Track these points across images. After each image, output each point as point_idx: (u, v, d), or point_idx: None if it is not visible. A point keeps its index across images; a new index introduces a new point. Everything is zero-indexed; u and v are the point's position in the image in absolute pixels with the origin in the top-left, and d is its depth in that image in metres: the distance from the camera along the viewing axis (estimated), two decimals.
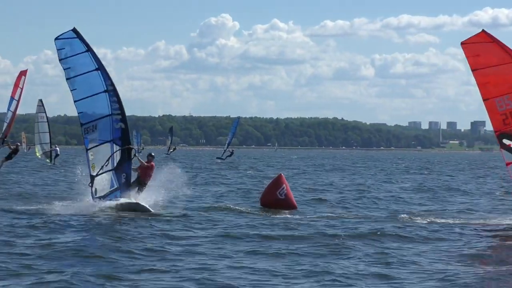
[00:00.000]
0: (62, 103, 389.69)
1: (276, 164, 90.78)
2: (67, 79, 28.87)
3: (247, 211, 29.19)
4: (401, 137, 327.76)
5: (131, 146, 29.50)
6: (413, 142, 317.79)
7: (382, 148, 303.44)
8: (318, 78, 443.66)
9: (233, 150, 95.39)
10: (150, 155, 29.80)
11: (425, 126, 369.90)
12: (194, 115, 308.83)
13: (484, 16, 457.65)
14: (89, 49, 28.49)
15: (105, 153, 28.82)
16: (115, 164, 29.00)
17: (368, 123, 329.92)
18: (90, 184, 29.00)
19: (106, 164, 28.94)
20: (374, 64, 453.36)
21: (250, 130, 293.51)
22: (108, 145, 28.97)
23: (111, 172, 28.90)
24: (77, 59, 28.69)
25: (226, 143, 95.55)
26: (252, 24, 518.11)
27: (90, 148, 29.02)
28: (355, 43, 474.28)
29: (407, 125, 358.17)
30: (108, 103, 28.70)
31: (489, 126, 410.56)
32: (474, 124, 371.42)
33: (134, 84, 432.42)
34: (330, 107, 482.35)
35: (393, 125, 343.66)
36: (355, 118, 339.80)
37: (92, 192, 28.94)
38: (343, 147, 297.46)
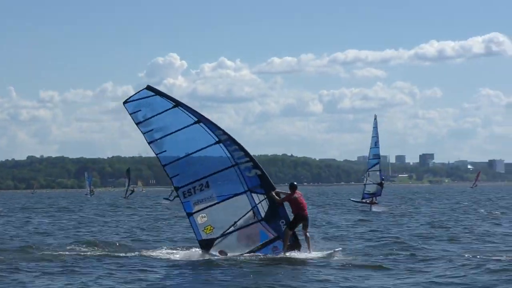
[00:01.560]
0: (10, 147, 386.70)
1: None
2: (149, 143, 26.54)
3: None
4: (351, 171, 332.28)
5: (276, 190, 26.75)
6: (362, 177, 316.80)
7: (334, 183, 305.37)
8: (267, 115, 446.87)
9: None
10: (292, 184, 26.84)
11: None
12: (143, 156, 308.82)
13: (430, 49, 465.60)
14: (178, 103, 26.21)
15: (233, 208, 26.49)
16: (262, 215, 26.57)
17: (317, 159, 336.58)
18: (205, 250, 26.65)
19: (244, 217, 26.65)
20: (322, 99, 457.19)
21: None
22: (242, 198, 26.59)
23: (258, 223, 26.52)
24: (163, 117, 26.36)
25: None
26: (199, 62, 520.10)
27: (198, 211, 26.64)
28: (303, 79, 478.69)
29: (356, 159, 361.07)
30: (227, 153, 26.37)
31: (437, 159, 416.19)
32: (423, 157, 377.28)
33: (82, 126, 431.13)
34: (279, 144, 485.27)
35: (342, 160, 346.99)
36: (304, 154, 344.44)
37: (221, 251, 26.71)
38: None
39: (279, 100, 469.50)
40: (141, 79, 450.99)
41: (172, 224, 45.39)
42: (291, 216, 26.31)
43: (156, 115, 26.28)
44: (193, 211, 26.60)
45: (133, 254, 27.65)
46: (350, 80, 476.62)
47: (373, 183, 61.55)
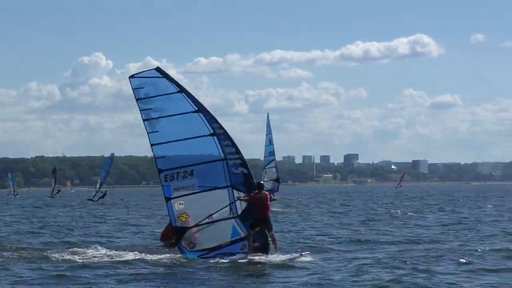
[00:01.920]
0: None
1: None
2: (144, 120, 26.78)
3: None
4: None
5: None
6: (287, 176, 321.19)
7: None
8: None
9: (105, 191, 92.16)
10: (258, 184, 26.74)
11: (299, 160, 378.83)
12: (67, 156, 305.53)
13: (356, 50, 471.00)
14: (182, 89, 26.59)
15: (212, 200, 26.53)
16: (238, 212, 26.60)
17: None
18: (177, 238, 26.70)
19: (221, 210, 26.70)
20: (247, 100, 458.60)
21: (125, 169, 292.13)
22: (222, 192, 26.62)
23: (232, 220, 26.64)
24: (164, 99, 26.75)
25: (99, 182, 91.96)
26: (125, 62, 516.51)
27: (176, 197, 26.64)
28: (229, 79, 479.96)
29: (281, 159, 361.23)
30: (218, 147, 26.52)
31: (362, 159, 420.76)
32: (347, 157, 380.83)
33: (5, 126, 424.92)
34: None
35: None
36: None
37: (184, 248, 26.73)
38: None
39: (205, 100, 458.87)
40: (66, 78, 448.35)
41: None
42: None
43: (158, 96, 26.58)
44: (172, 196, 26.59)
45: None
46: (276, 81, 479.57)
47: (270, 180, 62.87)
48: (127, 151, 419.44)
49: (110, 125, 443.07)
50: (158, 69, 26.57)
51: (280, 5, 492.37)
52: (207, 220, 26.64)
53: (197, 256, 26.75)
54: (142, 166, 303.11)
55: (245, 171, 26.64)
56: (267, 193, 26.78)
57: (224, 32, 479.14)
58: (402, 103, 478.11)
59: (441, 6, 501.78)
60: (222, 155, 26.65)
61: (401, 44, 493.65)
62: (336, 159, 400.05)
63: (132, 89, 26.67)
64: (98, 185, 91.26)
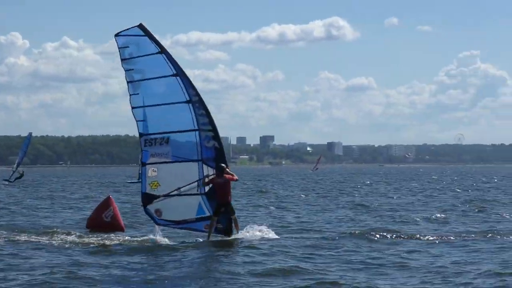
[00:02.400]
0: None
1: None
2: (128, 82, 25.76)
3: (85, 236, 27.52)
4: None
5: (227, 167, 25.81)
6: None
7: None
8: (110, 96, 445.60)
9: (23, 172, 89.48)
10: (218, 166, 25.57)
11: None
12: None
13: (272, 32, 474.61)
14: (163, 51, 25.36)
15: (182, 172, 25.78)
16: (206, 189, 25.75)
17: None
18: (144, 203, 25.97)
19: (189, 185, 25.90)
20: None
21: (41, 149, 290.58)
22: (193, 165, 25.81)
23: (199, 196, 25.92)
24: (146, 60, 25.59)
25: (16, 162, 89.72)
26: (42, 42, 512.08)
27: (151, 163, 25.79)
28: None
29: None
30: (193, 115, 25.47)
31: (278, 141, 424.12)
32: (263, 139, 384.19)
33: None
34: (122, 125, 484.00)
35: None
36: None
37: (152, 214, 25.98)
38: (134, 164, 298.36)
39: (123, 81, 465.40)
40: None
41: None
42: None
43: (140, 56, 25.61)
44: (148, 162, 25.82)
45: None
46: (193, 62, 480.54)
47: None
48: (44, 131, 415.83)
49: (27, 105, 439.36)
50: (140, 26, 25.57)
51: None
52: (175, 192, 25.91)
53: (167, 226, 26.43)
54: (59, 146, 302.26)
55: (217, 145, 25.76)
56: (229, 176, 25.50)
57: (140, 13, 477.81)
58: (317, 86, 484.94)
59: None
60: (196, 125, 25.65)
61: (317, 27, 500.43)
62: (253, 140, 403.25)
63: (118, 48, 25.65)
64: (15, 165, 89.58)
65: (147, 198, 25.95)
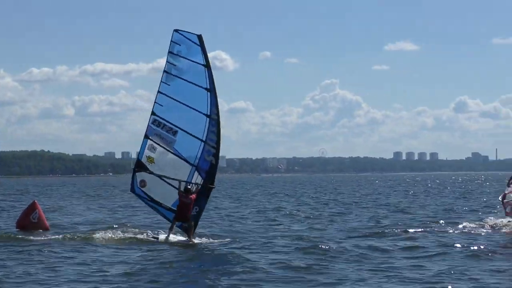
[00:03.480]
0: None
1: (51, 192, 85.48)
2: (165, 71, 25.90)
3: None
4: (99, 165, 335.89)
5: (213, 186, 26.02)
6: (108, 169, 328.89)
7: (85, 175, 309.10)
8: (27, 118, 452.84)
9: None
10: (185, 188, 25.46)
11: (118, 155, 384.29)
12: None
13: (163, 63, 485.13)
14: (207, 66, 25.45)
15: (176, 167, 25.87)
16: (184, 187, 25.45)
17: (71, 154, 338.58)
18: (135, 168, 26.19)
19: (177, 180, 25.70)
20: (74, 104, 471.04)
21: None
22: (187, 166, 25.85)
23: (179, 193, 25.52)
24: (189, 64, 25.73)
25: None
26: None
27: (153, 141, 25.88)
28: (58, 87, 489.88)
29: (104, 155, 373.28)
30: (205, 128, 25.46)
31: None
32: None
33: None
34: (38, 142, 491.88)
35: (92, 155, 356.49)
36: (59, 150, 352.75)
37: (137, 180, 26.23)
38: (50, 175, 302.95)
39: (38, 105, 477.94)
40: None
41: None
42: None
43: (186, 58, 25.68)
44: (150, 137, 25.94)
45: None
46: (98, 88, 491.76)
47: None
48: None
49: None
50: (199, 37, 25.43)
51: (100, 24, 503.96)
52: (164, 178, 25.91)
53: (139, 196, 26.46)
54: None
55: (214, 161, 25.62)
56: (193, 197, 25.33)
57: (53, 45, 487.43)
58: None
59: (234, 26, 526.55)
60: (204, 137, 25.53)
61: None
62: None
63: (171, 40, 25.70)
64: None
65: (139, 165, 26.05)
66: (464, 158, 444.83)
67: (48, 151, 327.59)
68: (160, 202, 26.32)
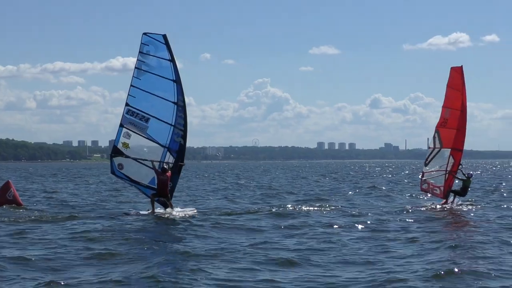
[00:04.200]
0: None
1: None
2: (136, 68, 26.29)
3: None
4: (58, 152, 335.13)
5: (183, 164, 26.53)
6: (67, 156, 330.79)
7: (45, 160, 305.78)
8: None
9: None
10: (162, 168, 26.12)
11: (75, 143, 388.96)
12: None
13: (117, 63, 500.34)
14: (172, 60, 25.95)
15: (150, 150, 26.29)
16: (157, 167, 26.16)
17: (33, 142, 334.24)
18: (112, 154, 26.42)
19: (150, 160, 26.12)
20: (36, 98, 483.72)
21: None
22: (159, 148, 26.32)
23: (154, 171, 26.20)
24: (157, 61, 26.18)
25: None
26: None
27: (128, 128, 26.16)
28: (21, 83, 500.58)
29: (62, 143, 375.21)
30: (174, 114, 25.95)
31: None
32: (111, 142, 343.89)
33: None
34: (3, 131, 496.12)
35: (51, 143, 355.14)
36: (23, 139, 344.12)
37: (115, 164, 26.36)
38: (12, 161, 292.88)
39: (3, 98, 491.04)
40: None
41: None
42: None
43: (154, 56, 26.16)
44: (125, 125, 26.21)
45: None
46: (57, 84, 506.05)
47: None
48: None
49: None
50: (164, 37, 26.02)
51: (60, 27, 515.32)
52: (140, 160, 26.26)
53: (121, 178, 26.73)
54: None
55: (182, 142, 26.16)
56: (168, 175, 25.92)
57: (18, 46, 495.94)
58: None
59: (178, 31, 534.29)
60: (173, 122, 26.01)
61: None
62: (103, 143, 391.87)
63: (140, 42, 26.04)
64: None
65: (116, 151, 26.44)
66: (378, 148, 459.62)
67: (13, 139, 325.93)
68: (138, 181, 26.75)
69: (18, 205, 29.11)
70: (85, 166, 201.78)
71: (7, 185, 29.50)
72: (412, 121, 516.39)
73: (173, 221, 24.87)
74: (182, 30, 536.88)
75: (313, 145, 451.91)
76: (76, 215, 26.71)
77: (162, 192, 26.23)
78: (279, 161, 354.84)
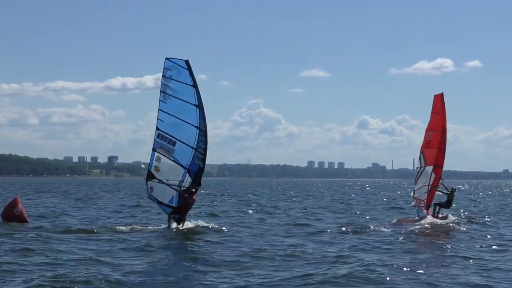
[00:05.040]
0: None
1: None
2: (161, 91, 26.82)
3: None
4: (58, 167, 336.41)
5: (201, 185, 27.00)
6: (67, 171, 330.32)
7: (45, 175, 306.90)
8: None
9: None
10: (191, 191, 26.70)
11: (75, 159, 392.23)
12: None
13: (116, 83, 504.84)
14: (195, 86, 26.27)
15: (174, 171, 26.80)
16: (181, 189, 26.78)
17: (35, 158, 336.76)
18: (147, 178, 27.15)
19: (173, 183, 26.82)
20: (38, 115, 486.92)
21: None
22: (181, 169, 26.80)
23: (175, 192, 26.91)
24: (180, 86, 26.50)
25: None
26: None
27: (159, 152, 26.83)
28: (24, 100, 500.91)
29: (63, 159, 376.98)
30: (196, 138, 26.44)
31: (121, 159, 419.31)
32: (110, 158, 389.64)
33: None
34: (6, 147, 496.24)
35: (53, 159, 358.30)
36: (25, 154, 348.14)
37: (148, 188, 27.10)
38: (16, 175, 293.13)
39: (7, 115, 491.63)
40: None
41: None
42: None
43: (177, 81, 26.59)
44: (157, 150, 26.95)
45: None
46: (59, 102, 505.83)
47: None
48: None
49: None
50: (187, 62, 26.32)
51: (61, 48, 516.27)
52: (165, 181, 27.01)
53: (152, 200, 27.56)
54: None
55: (201, 165, 26.66)
56: (194, 197, 26.90)
57: (20, 64, 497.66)
58: (149, 121, 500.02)
59: (175, 53, 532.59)
60: (195, 145, 26.55)
61: (148, 80, 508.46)
62: (103, 159, 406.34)
63: (163, 67, 26.69)
64: None
65: (149, 175, 27.22)
66: (366, 168, 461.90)
67: (16, 154, 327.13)
68: (162, 201, 27.51)
69: (24, 221, 29.02)
70: (87, 181, 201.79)
71: (15, 201, 29.55)
72: (399, 142, 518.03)
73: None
74: (180, 52, 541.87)
75: (303, 164, 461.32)
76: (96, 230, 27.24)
77: (185, 212, 27.26)
78: (271, 179, 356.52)
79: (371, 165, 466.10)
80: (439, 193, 34.22)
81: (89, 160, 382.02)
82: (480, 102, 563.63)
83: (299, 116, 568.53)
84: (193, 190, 27.12)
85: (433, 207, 34.09)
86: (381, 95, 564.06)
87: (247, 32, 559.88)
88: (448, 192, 34.04)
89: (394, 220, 33.86)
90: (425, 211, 33.61)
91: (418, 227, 30.41)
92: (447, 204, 34.20)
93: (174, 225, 27.45)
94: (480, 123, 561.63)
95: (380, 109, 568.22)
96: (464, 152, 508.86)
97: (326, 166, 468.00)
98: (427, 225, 30.98)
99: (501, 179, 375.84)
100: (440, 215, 33.84)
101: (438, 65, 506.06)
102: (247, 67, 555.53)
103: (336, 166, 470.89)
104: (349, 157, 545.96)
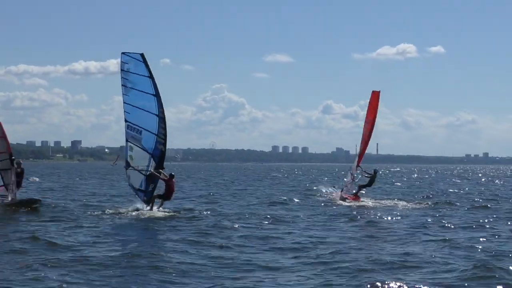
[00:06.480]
0: None
1: None
2: (122, 85, 27.81)
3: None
4: (21, 151, 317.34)
5: (164, 168, 28.02)
6: (30, 156, 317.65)
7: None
8: None
9: None
10: (171, 174, 28.14)
11: (38, 144, 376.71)
12: None
13: (79, 67, 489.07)
14: (151, 76, 27.35)
15: (142, 157, 27.96)
16: (147, 173, 27.97)
17: None
18: (126, 167, 28.38)
19: (142, 168, 28.01)
20: (0, 99, 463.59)
21: None
22: (146, 155, 27.96)
23: (142, 176, 28.14)
24: (137, 78, 27.55)
25: None
26: None
27: (131, 142, 27.99)
28: None
29: (26, 143, 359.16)
30: (156, 125, 27.53)
31: (84, 144, 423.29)
32: (74, 142, 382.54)
33: None
34: None
35: (15, 143, 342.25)
36: None
37: (128, 175, 28.28)
38: None
39: None
40: None
41: None
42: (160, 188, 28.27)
43: (135, 73, 27.52)
44: (129, 140, 28.08)
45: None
46: (21, 86, 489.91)
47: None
48: None
49: None
50: (142, 55, 27.37)
51: (24, 31, 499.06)
52: (137, 168, 28.10)
53: (130, 187, 28.88)
54: None
55: (163, 149, 27.80)
56: (174, 180, 28.14)
57: None
58: (112, 105, 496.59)
59: (139, 37, 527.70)
60: (156, 132, 27.61)
61: (112, 64, 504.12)
62: (66, 143, 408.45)
63: (120, 61, 27.68)
64: None
65: (127, 164, 28.45)
66: (330, 152, 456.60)
67: None
68: (135, 187, 28.59)
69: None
70: (51, 165, 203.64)
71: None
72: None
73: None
74: (143, 36, 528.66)
75: (268, 149, 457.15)
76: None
77: (170, 195, 28.38)
78: (235, 163, 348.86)
79: (335, 150, 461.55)
80: (367, 176, 38.23)
81: (52, 144, 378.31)
82: (442, 87, 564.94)
83: (263, 101, 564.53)
84: (172, 174, 28.78)
85: (357, 188, 38.79)
86: (344, 80, 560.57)
87: (210, 16, 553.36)
88: (372, 174, 38.10)
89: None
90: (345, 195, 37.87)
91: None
92: (370, 183, 38.31)
93: (155, 208, 28.44)
94: (442, 109, 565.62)
95: (343, 94, 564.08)
96: (427, 137, 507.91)
97: (290, 150, 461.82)
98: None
99: (463, 164, 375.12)
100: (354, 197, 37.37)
101: (401, 51, 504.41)
102: (211, 52, 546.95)
103: (300, 151, 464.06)
104: (313, 142, 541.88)
